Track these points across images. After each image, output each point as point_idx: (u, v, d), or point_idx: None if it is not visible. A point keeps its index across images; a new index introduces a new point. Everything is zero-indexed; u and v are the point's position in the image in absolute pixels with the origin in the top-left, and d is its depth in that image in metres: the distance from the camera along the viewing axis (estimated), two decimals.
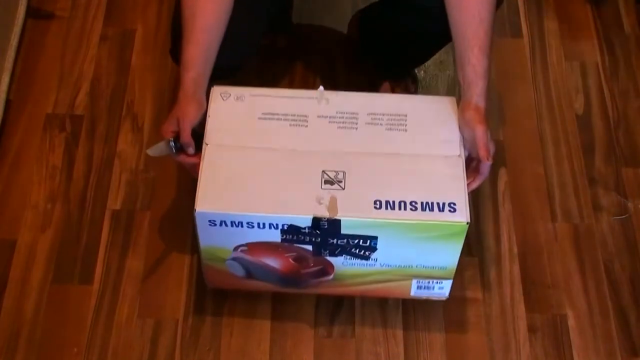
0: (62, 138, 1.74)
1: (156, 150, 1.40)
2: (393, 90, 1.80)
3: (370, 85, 1.84)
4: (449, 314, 1.57)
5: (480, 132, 1.36)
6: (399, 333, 1.54)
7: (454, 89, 1.87)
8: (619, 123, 1.84)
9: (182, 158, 1.40)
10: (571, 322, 1.57)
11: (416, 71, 1.86)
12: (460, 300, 1.58)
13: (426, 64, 1.89)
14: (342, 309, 1.56)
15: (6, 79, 1.77)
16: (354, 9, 1.92)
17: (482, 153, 1.36)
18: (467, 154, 1.40)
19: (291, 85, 1.85)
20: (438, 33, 1.45)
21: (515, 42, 1.96)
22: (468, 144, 1.39)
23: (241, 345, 1.51)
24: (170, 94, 1.80)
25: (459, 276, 1.59)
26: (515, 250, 1.65)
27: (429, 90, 1.86)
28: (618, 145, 1.81)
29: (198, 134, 1.38)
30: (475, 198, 1.71)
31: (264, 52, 1.84)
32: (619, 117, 1.85)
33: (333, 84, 1.85)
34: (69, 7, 1.94)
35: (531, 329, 1.56)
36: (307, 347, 1.52)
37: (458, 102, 1.42)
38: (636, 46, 1.97)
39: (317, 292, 1.53)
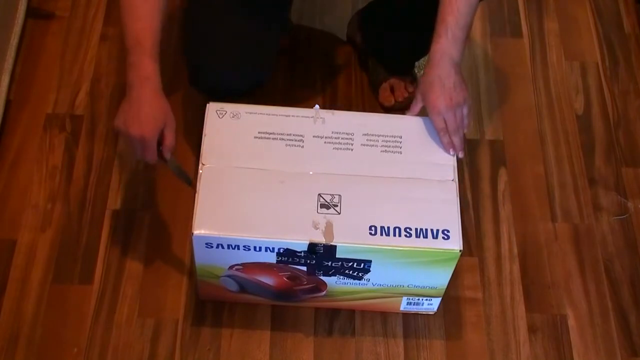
0: (62, 138, 1.74)
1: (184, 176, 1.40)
2: (393, 92, 1.80)
3: (370, 85, 1.84)
4: (449, 314, 1.56)
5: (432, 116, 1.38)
6: (399, 333, 1.54)
7: None
8: (619, 123, 1.84)
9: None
10: (571, 322, 1.57)
11: (416, 71, 1.85)
12: (461, 301, 1.58)
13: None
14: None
15: (6, 79, 1.77)
16: (354, 9, 1.92)
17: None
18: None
19: (291, 85, 1.85)
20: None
21: (515, 42, 1.96)
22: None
23: (241, 344, 1.51)
24: (169, 94, 1.79)
25: (459, 276, 1.59)
26: (515, 250, 1.65)
27: None
28: (618, 145, 1.81)
29: None
30: (475, 198, 1.71)
31: None
32: (619, 117, 1.85)
33: (333, 85, 1.85)
34: (69, 7, 1.94)
35: (531, 329, 1.56)
36: (307, 346, 1.52)
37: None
38: (636, 46, 1.97)
39: (308, 306, 1.54)
